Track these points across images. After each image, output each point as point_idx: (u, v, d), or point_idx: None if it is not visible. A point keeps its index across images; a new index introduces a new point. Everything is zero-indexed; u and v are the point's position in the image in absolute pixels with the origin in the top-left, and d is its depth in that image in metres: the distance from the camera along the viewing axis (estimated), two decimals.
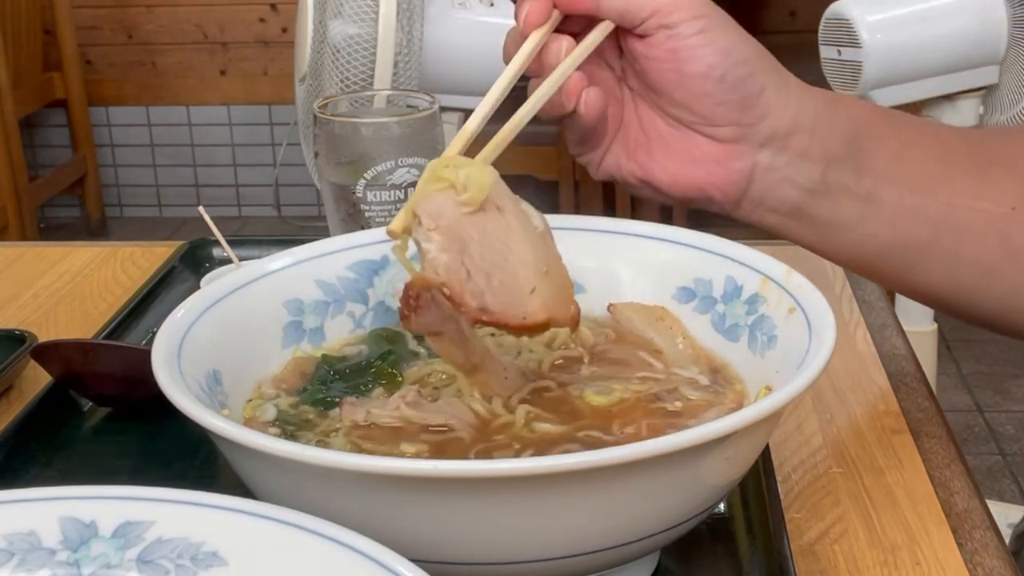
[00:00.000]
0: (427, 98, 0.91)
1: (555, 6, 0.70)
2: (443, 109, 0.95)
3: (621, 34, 0.72)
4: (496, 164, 0.65)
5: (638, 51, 0.71)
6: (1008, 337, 0.84)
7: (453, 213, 0.63)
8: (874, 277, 0.82)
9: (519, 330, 0.64)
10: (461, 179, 0.63)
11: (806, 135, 0.72)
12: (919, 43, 1.75)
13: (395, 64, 1.30)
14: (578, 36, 0.71)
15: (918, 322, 2.11)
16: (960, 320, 0.83)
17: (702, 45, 0.70)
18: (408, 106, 0.94)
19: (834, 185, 0.73)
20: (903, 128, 0.77)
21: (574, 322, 0.66)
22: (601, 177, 0.75)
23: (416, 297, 0.62)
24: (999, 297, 0.78)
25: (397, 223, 0.63)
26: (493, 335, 0.73)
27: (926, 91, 1.79)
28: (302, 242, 0.76)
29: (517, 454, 0.62)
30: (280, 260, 0.74)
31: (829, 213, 0.74)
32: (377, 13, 1.28)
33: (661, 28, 0.70)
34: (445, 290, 0.62)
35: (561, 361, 0.71)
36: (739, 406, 0.66)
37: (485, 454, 0.62)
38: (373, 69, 1.30)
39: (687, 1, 0.70)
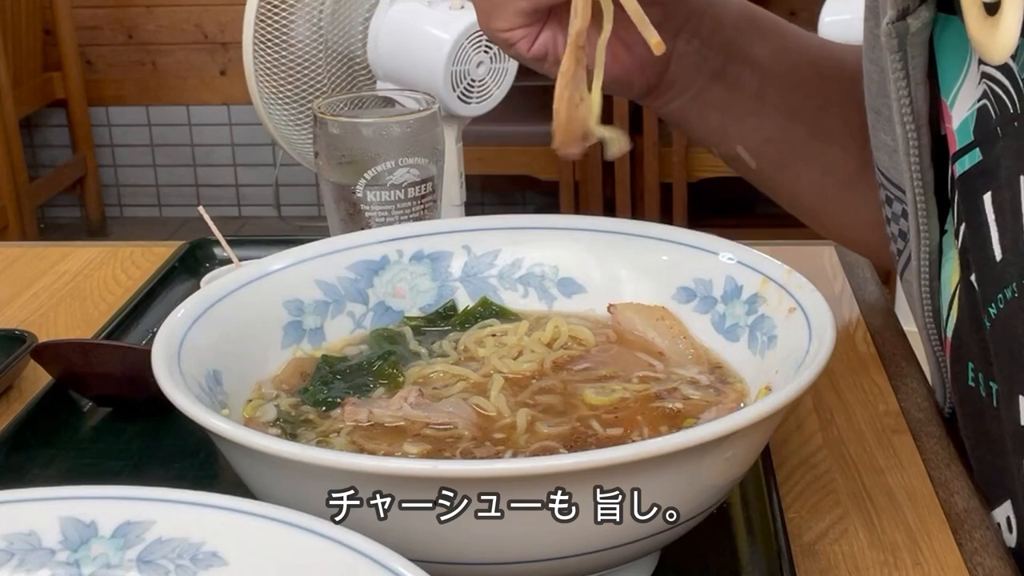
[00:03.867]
0: (427, 98, 0.91)
1: None
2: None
3: None
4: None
5: None
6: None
7: None
8: (751, 173, 0.87)
9: None
10: None
11: (710, 20, 0.79)
12: None
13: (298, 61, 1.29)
14: None
15: None
16: (815, 230, 0.92)
17: None
18: (400, 103, 0.94)
19: (730, 74, 0.81)
20: (786, 28, 0.85)
21: None
22: (535, 53, 0.76)
23: None
24: (849, 210, 0.86)
25: None
26: (494, 335, 0.73)
27: None
28: (302, 242, 0.76)
29: (499, 455, 0.62)
30: (280, 260, 0.74)
31: (726, 100, 0.81)
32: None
33: None
34: None
35: (561, 361, 0.71)
36: (739, 406, 0.66)
37: (468, 454, 0.62)
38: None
39: None
